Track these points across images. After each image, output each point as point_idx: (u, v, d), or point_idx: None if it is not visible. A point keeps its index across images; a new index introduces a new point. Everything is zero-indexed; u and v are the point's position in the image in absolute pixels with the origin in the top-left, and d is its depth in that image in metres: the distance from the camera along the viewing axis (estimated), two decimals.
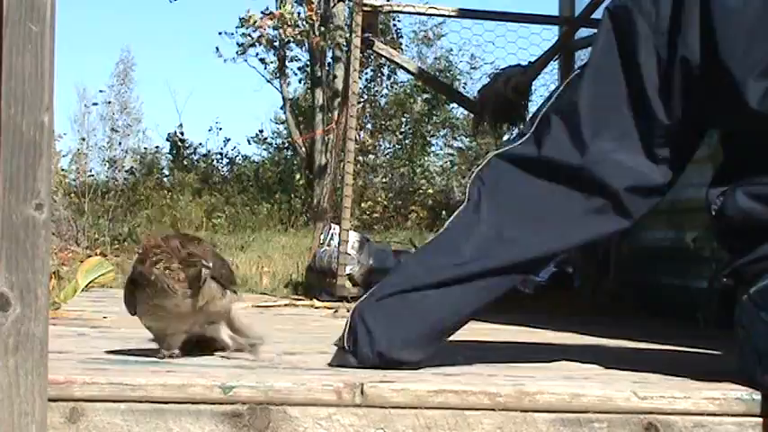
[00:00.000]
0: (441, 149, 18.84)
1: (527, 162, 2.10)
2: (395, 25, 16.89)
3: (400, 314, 2.09)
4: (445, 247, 2.11)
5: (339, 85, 13.52)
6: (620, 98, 2.06)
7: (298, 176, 16.44)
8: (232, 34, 16.39)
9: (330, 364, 2.13)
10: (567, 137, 2.07)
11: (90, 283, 3.64)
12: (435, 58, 19.39)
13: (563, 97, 2.12)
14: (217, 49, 17.02)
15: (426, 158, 18.22)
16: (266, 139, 19.17)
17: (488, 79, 5.96)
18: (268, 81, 17.74)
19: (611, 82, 2.07)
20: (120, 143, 19.97)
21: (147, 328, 2.24)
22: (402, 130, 18.05)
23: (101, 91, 22.69)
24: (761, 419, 1.86)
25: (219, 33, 17.48)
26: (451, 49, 18.84)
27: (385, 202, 16.12)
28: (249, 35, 15.93)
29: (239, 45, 16.35)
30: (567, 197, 2.07)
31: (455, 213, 2.16)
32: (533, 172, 2.09)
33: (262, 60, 17.23)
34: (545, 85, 7.56)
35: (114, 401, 1.78)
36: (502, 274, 2.10)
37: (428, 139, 18.31)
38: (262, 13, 15.14)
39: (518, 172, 2.10)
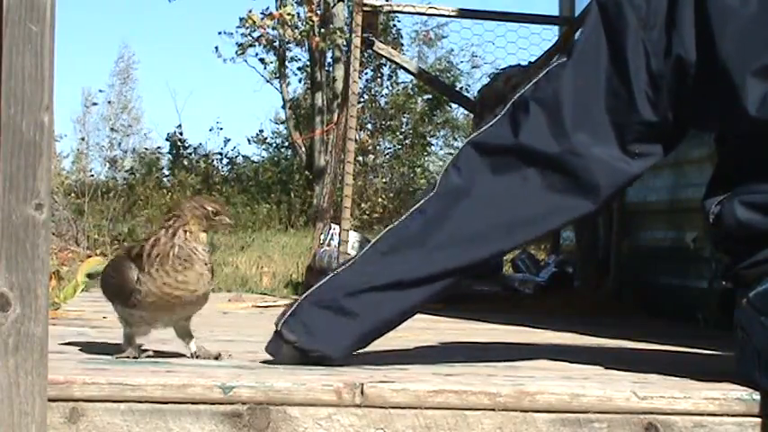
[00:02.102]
0: (441, 149, 18.86)
1: (502, 150, 2.07)
2: (395, 25, 16.92)
3: (350, 316, 2.06)
4: (410, 242, 2.07)
5: (339, 85, 13.53)
6: (604, 91, 2.04)
7: (297, 176, 16.45)
8: (231, 34, 16.42)
9: (267, 350, 2.11)
10: (546, 126, 2.04)
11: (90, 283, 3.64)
12: (436, 59, 19.42)
13: (544, 86, 2.08)
14: (216, 48, 17.06)
15: (426, 158, 18.23)
16: (266, 139, 19.21)
17: (488, 79, 5.96)
18: (267, 81, 17.77)
19: (595, 74, 2.04)
20: (120, 143, 20.01)
21: (127, 321, 2.18)
22: (402, 130, 18.07)
23: (101, 90, 22.73)
24: (761, 419, 1.86)
25: (219, 33, 17.47)
26: (452, 50, 18.87)
27: (385, 202, 16.12)
28: (249, 35, 15.94)
29: (238, 45, 16.37)
30: (539, 187, 2.04)
31: (422, 202, 2.10)
32: (508, 161, 2.06)
33: (261, 60, 17.26)
34: None
35: (114, 401, 1.78)
36: (466, 272, 2.09)
37: (428, 139, 18.32)
38: (262, 13, 15.15)
39: (492, 162, 2.07)
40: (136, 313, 2.16)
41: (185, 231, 2.13)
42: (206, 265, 2.14)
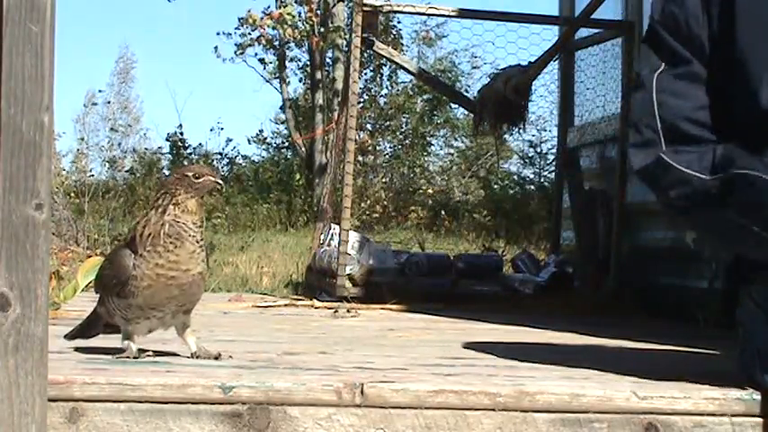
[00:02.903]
0: (441, 149, 18.86)
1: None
2: (395, 26, 16.90)
3: None
4: None
5: (339, 85, 13.53)
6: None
7: (298, 176, 16.45)
8: (230, 35, 16.40)
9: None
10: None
11: (90, 283, 3.63)
12: (436, 59, 19.42)
13: (675, 105, 2.05)
14: (215, 48, 17.02)
15: (426, 158, 18.23)
16: (266, 139, 19.21)
17: (488, 79, 5.97)
18: (267, 81, 17.76)
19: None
20: (119, 143, 20.02)
21: (126, 317, 2.18)
22: (402, 130, 18.06)
23: (100, 91, 22.72)
24: (761, 419, 1.86)
25: (218, 34, 17.27)
26: (455, 51, 18.86)
27: (385, 202, 16.11)
28: (249, 35, 15.93)
29: (237, 45, 16.35)
30: None
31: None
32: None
33: (261, 60, 17.24)
34: (545, 85, 7.55)
35: (114, 401, 1.78)
36: None
37: (428, 139, 18.32)
38: (263, 12, 15.14)
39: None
40: (133, 303, 2.15)
41: (174, 205, 2.13)
42: (197, 243, 2.13)
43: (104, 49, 44.13)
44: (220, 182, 2.24)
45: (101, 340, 2.48)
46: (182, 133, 18.09)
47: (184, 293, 2.15)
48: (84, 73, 40.31)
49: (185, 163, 17.62)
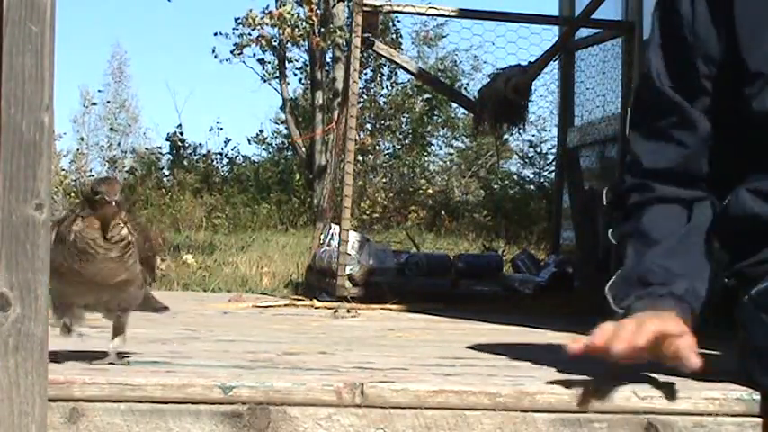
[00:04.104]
0: (441, 149, 18.87)
1: None
2: (394, 25, 16.91)
3: None
4: None
5: (339, 85, 13.54)
6: None
7: (298, 176, 16.46)
8: (227, 35, 16.39)
9: None
10: None
11: None
12: (436, 59, 19.43)
13: None
14: (213, 49, 17.01)
15: (426, 158, 18.24)
16: (266, 139, 19.24)
17: (488, 79, 5.97)
18: (265, 81, 17.76)
19: None
20: (119, 143, 20.04)
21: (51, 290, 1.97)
22: (402, 130, 18.08)
23: (99, 90, 22.73)
24: (761, 419, 1.86)
25: (215, 34, 17.14)
26: (455, 50, 18.88)
27: (385, 202, 16.12)
28: (248, 35, 15.93)
29: (235, 45, 16.34)
30: None
31: None
32: None
33: (260, 61, 17.25)
34: (545, 85, 7.56)
35: (114, 401, 1.78)
36: None
37: (428, 139, 18.33)
38: (262, 11, 15.15)
39: None
40: (58, 288, 1.98)
41: (82, 218, 1.98)
42: (111, 259, 1.95)
43: (98, 45, 44.12)
44: (113, 200, 1.95)
45: (100, 340, 2.48)
46: (182, 133, 18.11)
47: (104, 291, 2.02)
48: (78, 71, 40.34)
49: (185, 163, 17.63)
